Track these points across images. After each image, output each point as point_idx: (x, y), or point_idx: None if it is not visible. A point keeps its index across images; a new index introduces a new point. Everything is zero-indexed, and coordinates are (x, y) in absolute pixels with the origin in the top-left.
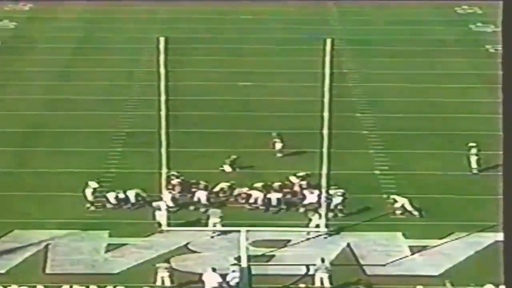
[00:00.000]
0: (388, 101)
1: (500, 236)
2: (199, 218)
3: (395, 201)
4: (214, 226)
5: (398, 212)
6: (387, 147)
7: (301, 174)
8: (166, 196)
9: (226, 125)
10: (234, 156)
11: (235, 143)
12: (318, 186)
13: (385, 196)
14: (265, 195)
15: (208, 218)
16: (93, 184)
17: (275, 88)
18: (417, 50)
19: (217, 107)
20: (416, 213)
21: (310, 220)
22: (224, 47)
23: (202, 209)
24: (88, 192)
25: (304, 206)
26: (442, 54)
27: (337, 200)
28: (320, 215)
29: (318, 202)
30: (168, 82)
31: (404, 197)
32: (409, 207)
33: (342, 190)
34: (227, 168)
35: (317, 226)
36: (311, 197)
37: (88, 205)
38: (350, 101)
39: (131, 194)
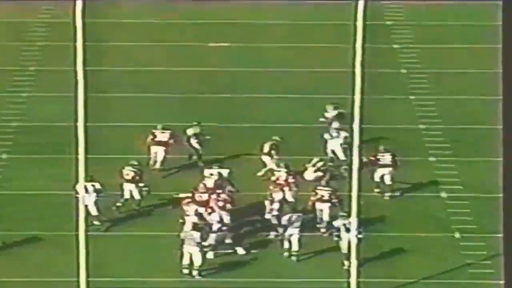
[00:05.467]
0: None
1: None
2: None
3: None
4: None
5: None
6: (456, 153)
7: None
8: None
9: (185, 115)
10: None
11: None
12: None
13: (457, 235)
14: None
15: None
16: None
17: (271, 52)
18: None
19: (169, 84)
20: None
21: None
22: None
23: None
24: None
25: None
26: None
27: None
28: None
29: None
30: (85, 42)
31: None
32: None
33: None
34: None
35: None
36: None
37: None
38: (401, 85)
39: None
